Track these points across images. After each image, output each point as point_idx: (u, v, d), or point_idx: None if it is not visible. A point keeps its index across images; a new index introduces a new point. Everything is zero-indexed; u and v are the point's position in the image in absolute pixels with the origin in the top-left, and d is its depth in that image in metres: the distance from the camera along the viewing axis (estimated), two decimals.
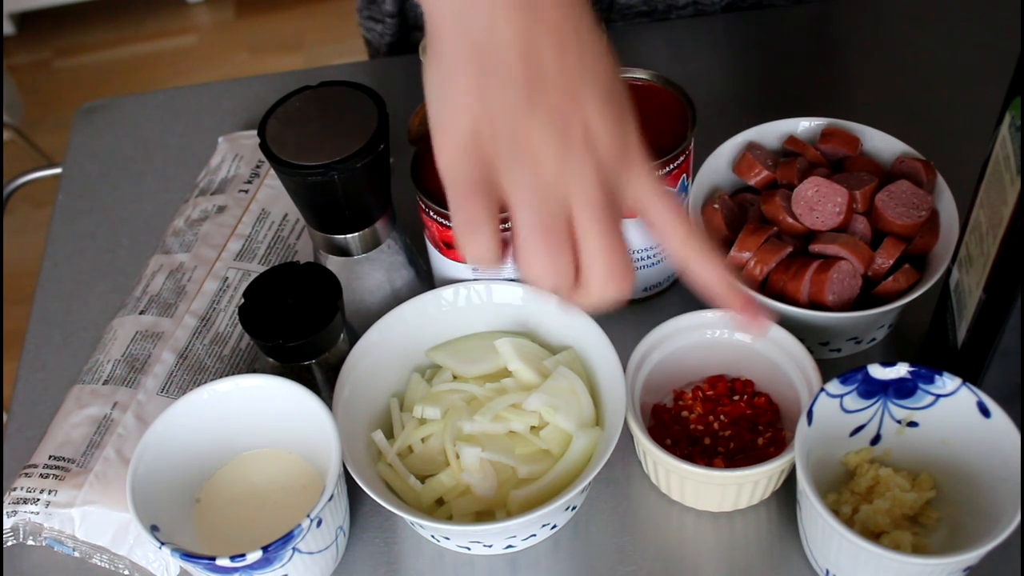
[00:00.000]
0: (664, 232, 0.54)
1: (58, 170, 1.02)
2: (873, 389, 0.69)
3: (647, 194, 0.53)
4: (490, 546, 0.71)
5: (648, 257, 0.80)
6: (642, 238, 0.78)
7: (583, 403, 0.71)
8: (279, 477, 0.73)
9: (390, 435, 0.74)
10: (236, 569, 0.64)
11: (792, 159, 0.79)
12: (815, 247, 0.75)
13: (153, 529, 0.65)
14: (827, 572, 0.68)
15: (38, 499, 0.73)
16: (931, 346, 0.77)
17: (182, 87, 1.10)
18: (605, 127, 0.51)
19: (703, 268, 0.55)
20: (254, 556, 0.63)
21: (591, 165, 0.51)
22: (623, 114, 0.53)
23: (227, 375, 0.78)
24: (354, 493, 0.72)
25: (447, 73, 0.52)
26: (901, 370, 0.68)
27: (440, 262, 0.77)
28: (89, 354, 0.82)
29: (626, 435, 0.70)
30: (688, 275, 0.56)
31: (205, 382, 0.76)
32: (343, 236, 0.75)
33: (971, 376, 0.68)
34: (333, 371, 0.73)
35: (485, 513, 0.70)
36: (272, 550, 0.64)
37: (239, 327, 0.80)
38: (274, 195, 0.88)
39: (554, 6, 0.51)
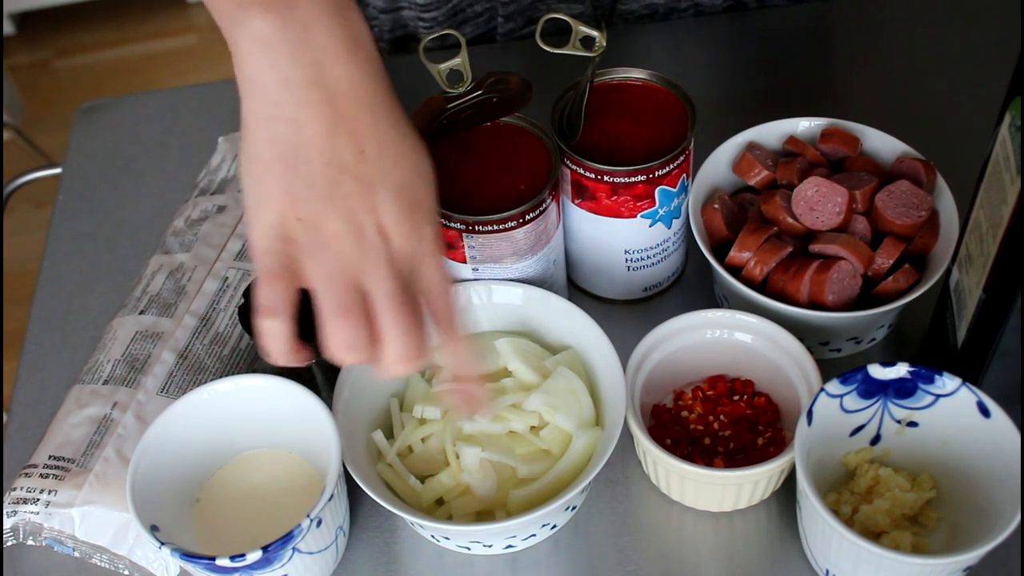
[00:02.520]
0: (437, 321, 0.60)
1: (58, 170, 1.02)
2: (873, 389, 0.69)
3: (431, 286, 0.60)
4: (490, 546, 0.71)
5: (648, 257, 0.80)
6: (642, 238, 0.78)
7: (583, 403, 0.71)
8: (279, 477, 0.73)
9: (390, 435, 0.74)
10: (236, 569, 0.64)
11: (792, 159, 0.79)
12: (815, 247, 0.75)
13: (153, 529, 0.65)
14: (827, 572, 0.68)
15: (38, 499, 0.73)
16: (931, 346, 0.77)
17: (182, 87, 1.10)
18: (397, 223, 0.58)
19: (451, 355, 0.62)
20: (254, 556, 0.63)
21: (383, 256, 0.57)
22: (416, 209, 0.58)
23: (227, 375, 0.78)
24: (354, 493, 0.72)
25: (258, 171, 0.57)
26: (901, 370, 0.68)
27: None
28: (89, 354, 0.82)
29: (626, 435, 0.70)
30: (444, 355, 0.62)
31: (205, 382, 0.76)
32: None
33: (971, 376, 0.68)
34: (333, 371, 0.73)
35: (485, 513, 0.70)
36: (272, 550, 0.64)
37: (239, 327, 0.80)
38: None
39: (354, 107, 0.57)
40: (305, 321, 0.71)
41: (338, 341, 0.57)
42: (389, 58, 1.07)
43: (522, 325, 0.77)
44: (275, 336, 0.58)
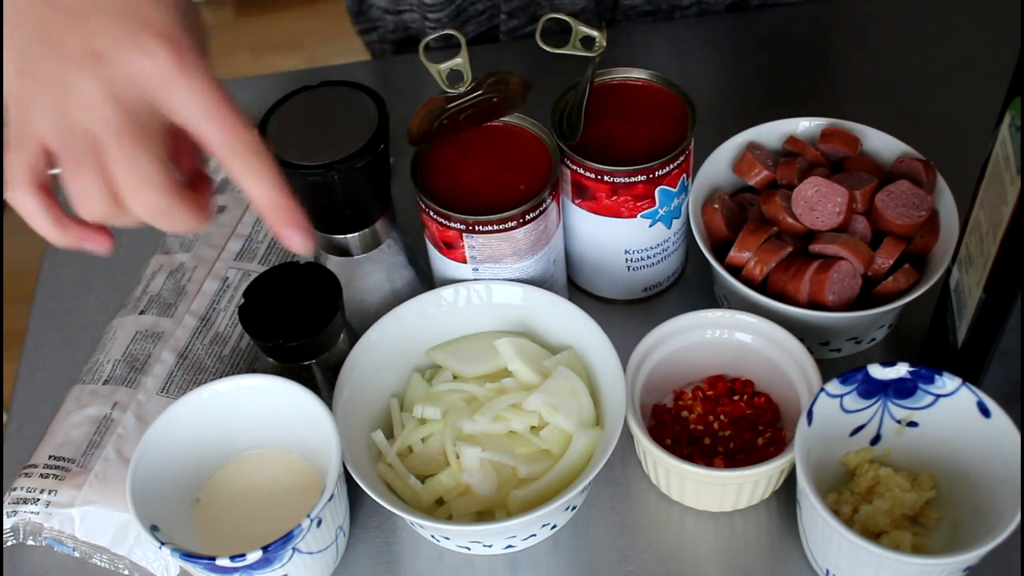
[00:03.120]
0: (209, 146, 0.53)
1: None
2: (873, 389, 0.69)
3: (190, 114, 0.52)
4: (490, 546, 0.71)
5: (648, 257, 0.80)
6: (642, 238, 0.78)
7: (583, 403, 0.71)
8: (279, 477, 0.73)
9: (390, 435, 0.74)
10: (236, 569, 0.64)
11: (792, 159, 0.79)
12: (815, 247, 0.75)
13: (153, 529, 0.65)
14: (827, 572, 0.68)
15: (38, 499, 0.73)
16: (931, 346, 0.77)
17: None
18: (113, 46, 0.50)
19: (250, 185, 0.54)
20: (254, 556, 0.63)
21: (97, 85, 0.50)
22: (141, 27, 0.51)
23: (227, 375, 0.78)
24: (354, 493, 0.72)
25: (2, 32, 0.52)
26: (901, 370, 0.68)
27: (440, 262, 0.77)
28: (89, 354, 0.82)
29: (626, 435, 0.70)
30: (240, 189, 0.55)
31: (205, 382, 0.76)
32: (343, 236, 0.75)
33: (971, 376, 0.68)
34: (333, 371, 0.73)
35: (485, 513, 0.70)
36: (272, 550, 0.64)
37: (239, 327, 0.80)
38: None
39: None
40: (299, 325, 0.71)
41: (76, 193, 0.52)
42: (389, 58, 1.07)
43: (522, 325, 0.77)
44: (31, 212, 0.53)
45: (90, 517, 0.72)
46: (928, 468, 0.70)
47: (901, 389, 0.69)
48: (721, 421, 0.74)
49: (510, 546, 0.71)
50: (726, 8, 1.04)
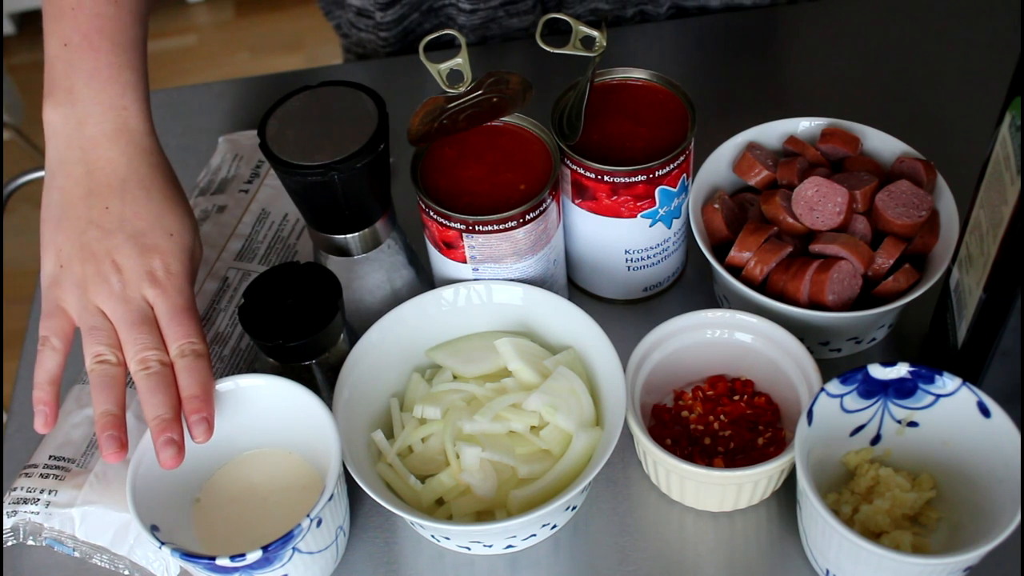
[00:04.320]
0: (167, 335, 0.70)
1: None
2: (873, 389, 0.69)
3: (162, 312, 0.70)
4: (490, 546, 0.71)
5: (648, 257, 0.80)
6: (642, 238, 0.78)
7: (583, 403, 0.71)
8: (279, 477, 0.73)
9: (390, 435, 0.74)
10: (236, 569, 0.64)
11: (792, 159, 0.79)
12: (815, 247, 0.75)
13: (153, 529, 0.65)
14: (827, 572, 0.68)
15: (38, 499, 0.73)
16: (931, 346, 0.77)
17: (182, 87, 1.10)
18: (128, 259, 0.70)
19: (184, 383, 0.69)
20: (254, 556, 0.63)
21: (115, 285, 0.69)
22: (149, 251, 0.70)
23: (227, 375, 0.78)
24: (354, 493, 0.72)
25: (43, 226, 0.72)
26: (901, 370, 0.68)
27: (440, 262, 0.77)
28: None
29: (626, 435, 0.70)
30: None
31: None
32: (343, 236, 0.75)
33: (971, 376, 0.68)
34: (333, 371, 0.73)
35: (485, 513, 0.70)
36: (272, 550, 0.64)
37: (239, 327, 0.80)
38: (274, 195, 0.88)
39: (108, 178, 0.71)
40: (299, 325, 0.71)
41: (89, 353, 0.69)
42: (389, 58, 1.07)
43: (522, 325, 0.77)
44: (41, 365, 0.69)
45: (90, 517, 0.72)
46: (928, 468, 0.70)
47: (901, 389, 0.69)
48: (721, 421, 0.74)
49: (510, 546, 0.71)
50: (723, 8, 1.04)
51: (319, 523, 0.66)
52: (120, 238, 0.70)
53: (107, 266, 0.70)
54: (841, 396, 0.69)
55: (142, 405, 0.68)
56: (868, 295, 0.75)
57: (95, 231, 0.70)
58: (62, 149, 0.72)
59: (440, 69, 0.73)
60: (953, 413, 0.68)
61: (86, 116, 0.71)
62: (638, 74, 0.79)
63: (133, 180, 0.72)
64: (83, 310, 0.70)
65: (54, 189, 0.72)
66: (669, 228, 0.79)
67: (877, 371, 0.68)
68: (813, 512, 0.64)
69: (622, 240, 0.79)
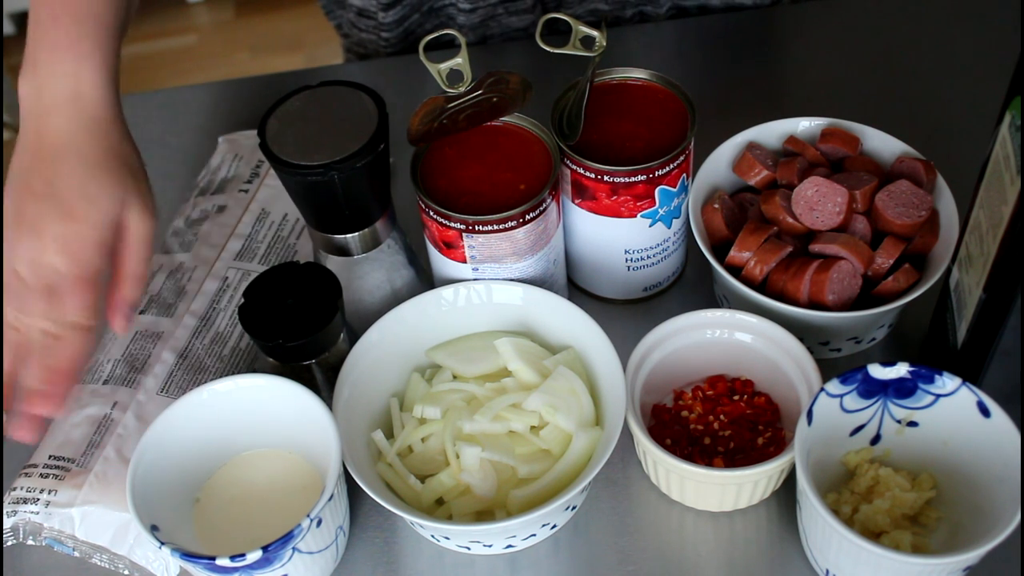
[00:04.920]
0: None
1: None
2: (873, 389, 0.69)
3: (64, 282, 0.70)
4: (490, 546, 0.71)
5: (648, 257, 0.80)
6: (642, 238, 0.78)
7: (583, 403, 0.71)
8: (279, 477, 0.73)
9: (390, 435, 0.74)
10: (236, 569, 0.64)
11: (792, 159, 0.79)
12: (815, 247, 0.75)
13: (153, 529, 0.65)
14: (827, 572, 0.68)
15: (38, 499, 0.73)
16: (931, 346, 0.77)
17: (182, 87, 1.10)
18: (50, 225, 0.70)
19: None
20: (254, 556, 0.63)
21: (30, 252, 0.70)
22: (67, 217, 0.70)
23: (227, 375, 0.78)
24: (354, 493, 0.72)
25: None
26: (901, 370, 0.68)
27: (440, 262, 0.77)
28: None
29: (626, 435, 0.70)
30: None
31: (205, 382, 0.76)
32: (343, 236, 0.75)
33: (971, 376, 0.68)
34: (333, 371, 0.73)
35: (485, 513, 0.70)
36: (272, 550, 0.64)
37: (239, 327, 0.80)
38: (274, 195, 0.88)
39: (51, 148, 0.72)
40: (299, 325, 0.71)
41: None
42: (389, 58, 1.07)
43: (522, 325, 0.77)
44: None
45: (90, 517, 0.72)
46: (928, 468, 0.70)
47: (901, 389, 0.69)
48: (721, 421, 0.74)
49: (510, 546, 0.71)
50: (723, 8, 1.04)
51: (319, 523, 0.66)
52: (47, 204, 0.71)
53: (28, 231, 0.70)
54: (841, 396, 0.69)
55: (27, 373, 0.69)
56: (868, 295, 0.75)
57: (29, 196, 0.71)
58: (24, 118, 0.74)
59: (440, 69, 0.73)
60: (953, 413, 0.68)
61: (43, 85, 0.73)
62: (638, 74, 0.79)
63: (71, 148, 0.72)
64: (4, 271, 0.71)
65: (14, 155, 0.74)
66: (669, 228, 0.79)
67: (877, 371, 0.68)
68: (813, 512, 0.64)
69: (622, 240, 0.79)
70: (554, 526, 0.72)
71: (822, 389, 0.68)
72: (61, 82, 0.73)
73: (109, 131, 0.74)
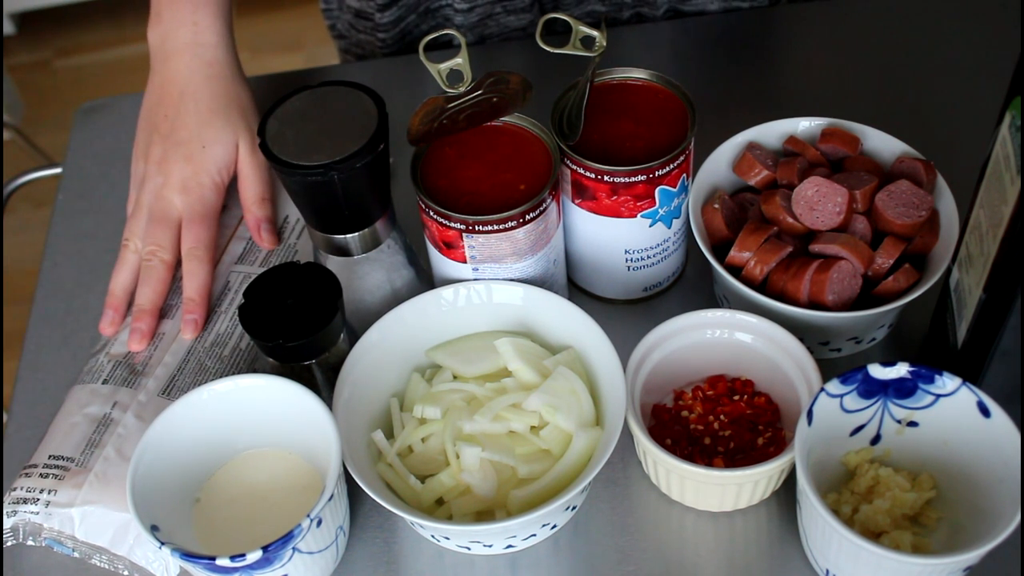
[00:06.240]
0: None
1: (58, 170, 1.02)
2: (873, 389, 0.69)
3: (184, 219, 0.84)
4: (490, 546, 0.71)
5: (648, 257, 0.80)
6: (642, 238, 0.78)
7: (583, 403, 0.71)
8: (279, 477, 0.73)
9: (390, 435, 0.74)
10: (236, 569, 0.64)
11: (792, 159, 0.79)
12: (815, 247, 0.75)
13: (153, 529, 0.65)
14: (827, 572, 0.68)
15: (38, 499, 0.73)
16: (931, 346, 0.77)
17: None
18: (174, 165, 0.82)
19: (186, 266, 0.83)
20: (254, 556, 0.63)
21: (155, 188, 0.83)
22: (185, 159, 0.83)
23: (227, 375, 0.78)
24: (354, 493, 0.72)
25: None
26: (901, 370, 0.68)
27: (440, 262, 0.77)
28: (89, 354, 0.82)
29: (626, 435, 0.70)
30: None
31: (205, 382, 0.76)
32: (343, 236, 0.75)
33: (971, 376, 0.68)
34: (333, 371, 0.73)
35: (485, 513, 0.70)
36: (272, 550, 0.64)
37: (239, 328, 0.80)
38: (274, 195, 0.88)
39: (173, 88, 0.83)
40: (299, 325, 0.71)
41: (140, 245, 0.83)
42: (389, 58, 1.07)
43: (522, 325, 0.77)
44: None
45: (90, 517, 0.72)
46: (928, 468, 0.70)
47: (901, 389, 0.69)
48: (721, 421, 0.74)
49: (510, 546, 0.71)
50: (721, 11, 1.04)
51: (319, 523, 0.66)
52: (169, 144, 0.82)
53: (154, 168, 0.82)
54: (841, 396, 0.69)
55: (136, 292, 0.81)
56: (868, 295, 0.75)
57: (156, 136, 0.83)
58: (153, 63, 0.85)
59: (440, 69, 0.73)
60: (953, 413, 0.68)
61: (166, 33, 0.84)
62: (638, 74, 0.79)
63: (188, 92, 0.83)
64: (131, 200, 0.84)
65: (145, 94, 0.85)
66: (669, 228, 0.79)
67: (877, 371, 0.68)
68: (813, 512, 0.64)
69: (622, 240, 0.79)
70: (554, 526, 0.72)
71: (822, 389, 0.68)
72: (181, 30, 0.83)
73: (222, 74, 0.84)
